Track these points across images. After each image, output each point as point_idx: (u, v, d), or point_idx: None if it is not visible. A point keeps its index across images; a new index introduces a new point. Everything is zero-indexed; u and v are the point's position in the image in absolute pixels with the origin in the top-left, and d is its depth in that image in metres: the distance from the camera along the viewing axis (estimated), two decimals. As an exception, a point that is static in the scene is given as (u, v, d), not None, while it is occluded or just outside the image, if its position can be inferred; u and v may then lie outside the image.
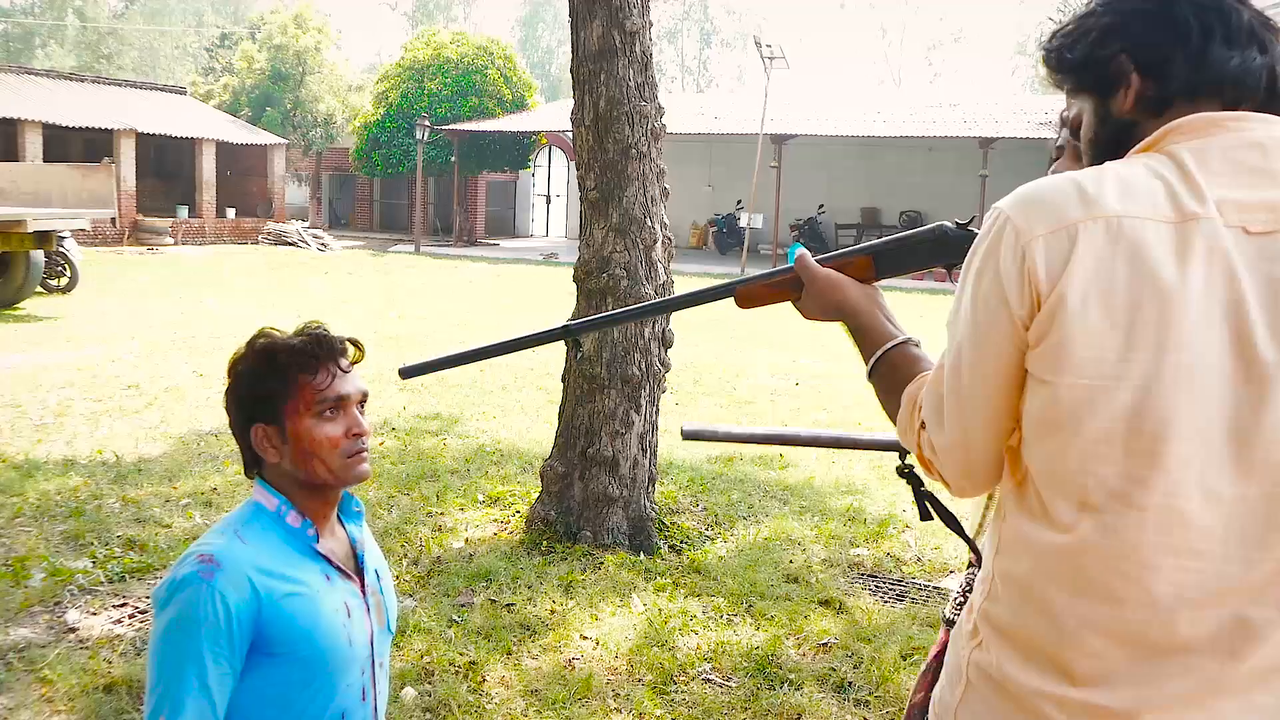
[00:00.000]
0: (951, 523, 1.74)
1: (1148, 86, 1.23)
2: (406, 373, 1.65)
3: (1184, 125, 1.18)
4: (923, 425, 1.29)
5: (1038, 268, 1.13)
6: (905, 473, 1.71)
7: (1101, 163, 1.23)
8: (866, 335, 1.48)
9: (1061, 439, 1.15)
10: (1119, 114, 1.26)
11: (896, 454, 1.73)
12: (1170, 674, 1.15)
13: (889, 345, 1.44)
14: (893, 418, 1.40)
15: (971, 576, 2.19)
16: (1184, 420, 1.11)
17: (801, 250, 1.56)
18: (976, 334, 1.20)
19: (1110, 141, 1.27)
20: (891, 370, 1.43)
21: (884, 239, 1.56)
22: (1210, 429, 1.11)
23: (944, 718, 1.32)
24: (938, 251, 1.56)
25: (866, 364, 1.47)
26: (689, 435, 1.69)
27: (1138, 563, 1.14)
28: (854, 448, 1.81)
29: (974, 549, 1.73)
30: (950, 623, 2.19)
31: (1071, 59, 1.30)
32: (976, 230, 1.57)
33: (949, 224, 1.57)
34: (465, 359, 1.68)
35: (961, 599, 2.18)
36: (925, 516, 1.73)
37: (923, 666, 2.26)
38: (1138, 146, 1.22)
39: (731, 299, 1.61)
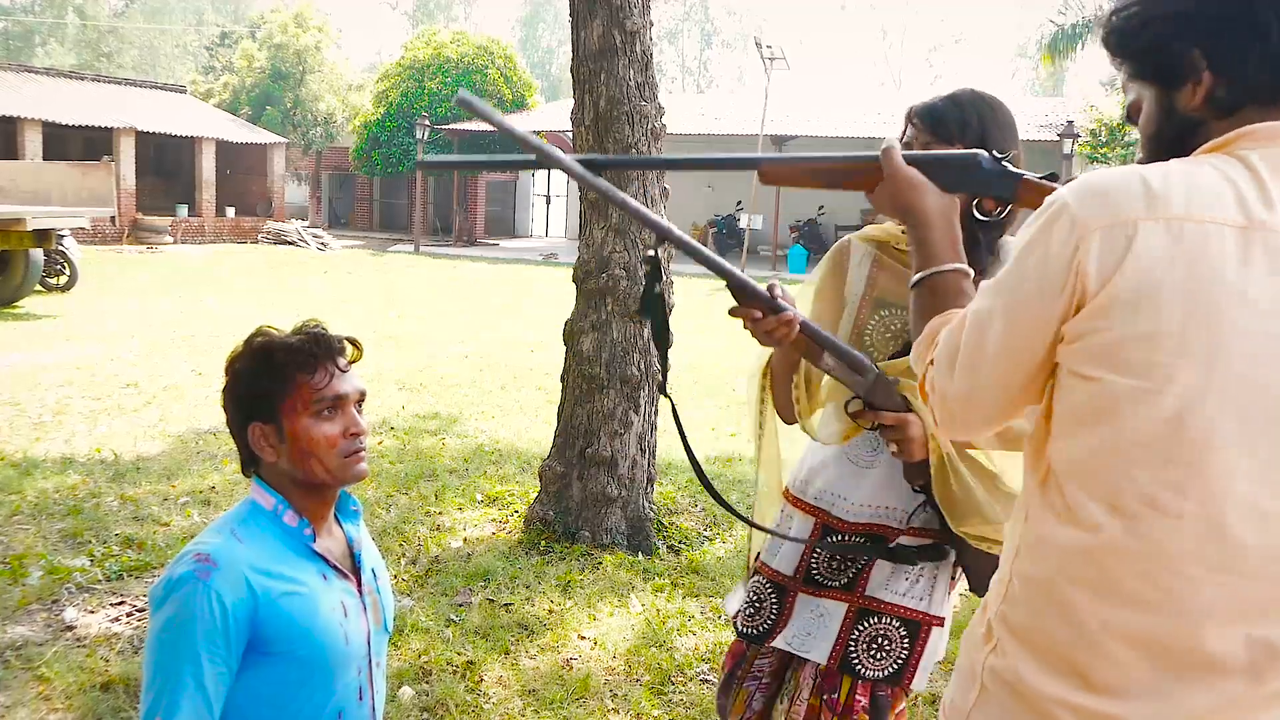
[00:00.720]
0: (662, 341, 1.71)
1: (1219, 86, 1.16)
2: (424, 165, 1.63)
3: (1259, 132, 1.13)
4: (931, 362, 1.27)
5: (1089, 262, 1.09)
6: (650, 261, 1.65)
7: (1160, 159, 1.17)
8: (925, 248, 1.44)
9: (1098, 437, 1.12)
10: (1185, 110, 1.19)
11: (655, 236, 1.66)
12: (1191, 690, 1.11)
13: (941, 268, 1.41)
14: (915, 335, 1.37)
15: (759, 584, 2.07)
16: (1230, 432, 1.07)
17: (892, 142, 1.52)
18: (1011, 306, 1.17)
19: (1174, 139, 1.20)
20: (930, 293, 1.40)
21: (916, 152, 1.52)
22: (1258, 443, 1.07)
23: None
24: (965, 178, 1.52)
25: (913, 274, 1.43)
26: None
27: (1169, 570, 1.10)
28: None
29: (664, 371, 1.74)
30: (743, 635, 2.07)
31: (1136, 45, 1.22)
32: (1012, 166, 1.53)
33: (985, 153, 1.53)
34: (487, 166, 1.66)
35: (751, 610, 2.07)
36: (644, 310, 1.67)
37: (723, 679, 2.12)
38: (1205, 146, 1.16)
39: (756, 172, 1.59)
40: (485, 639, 3.62)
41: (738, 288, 1.63)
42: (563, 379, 4.76)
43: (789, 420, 2.04)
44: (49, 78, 26.80)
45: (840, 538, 1.98)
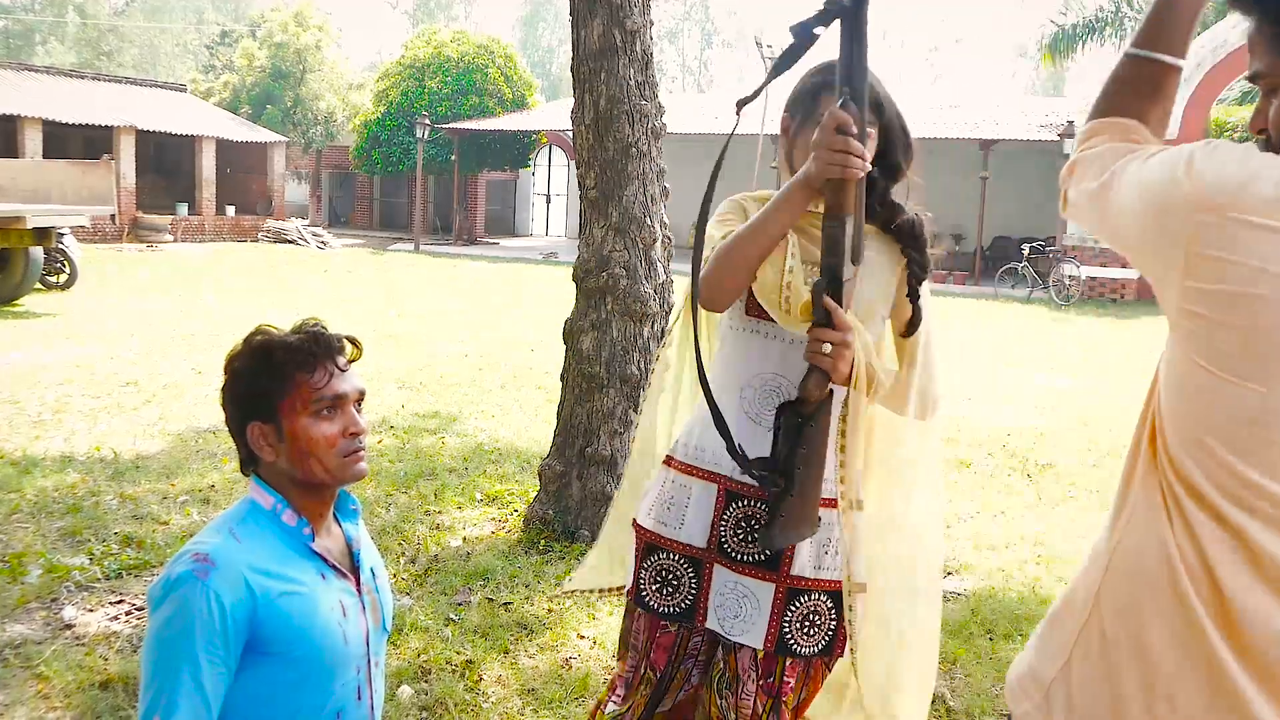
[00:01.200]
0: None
1: None
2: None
3: None
4: (1082, 154, 1.25)
5: (1199, 243, 1.04)
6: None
7: None
8: (1159, 24, 1.30)
9: (1182, 418, 1.09)
10: None
11: None
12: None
13: (1159, 57, 1.28)
14: (1103, 99, 1.31)
15: (670, 560, 2.00)
16: None
17: None
18: (1137, 192, 1.12)
19: None
20: (1135, 72, 1.29)
21: None
22: None
23: (1030, 691, 1.25)
24: None
25: (1133, 44, 1.32)
26: None
27: (1255, 567, 1.05)
28: None
29: None
30: (666, 615, 2.01)
31: None
32: None
33: None
34: None
35: (669, 590, 2.01)
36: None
37: (661, 674, 2.06)
38: None
39: None
40: (484, 638, 3.61)
41: (858, 91, 1.63)
42: (562, 378, 4.76)
43: (715, 304, 1.90)
44: (49, 76, 26.80)
45: (744, 503, 1.95)
